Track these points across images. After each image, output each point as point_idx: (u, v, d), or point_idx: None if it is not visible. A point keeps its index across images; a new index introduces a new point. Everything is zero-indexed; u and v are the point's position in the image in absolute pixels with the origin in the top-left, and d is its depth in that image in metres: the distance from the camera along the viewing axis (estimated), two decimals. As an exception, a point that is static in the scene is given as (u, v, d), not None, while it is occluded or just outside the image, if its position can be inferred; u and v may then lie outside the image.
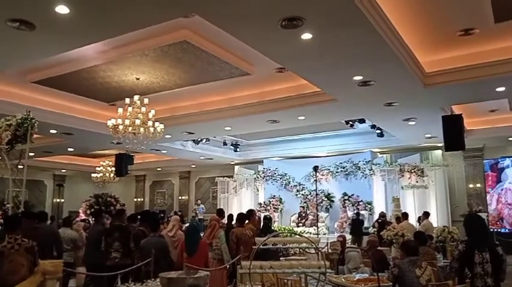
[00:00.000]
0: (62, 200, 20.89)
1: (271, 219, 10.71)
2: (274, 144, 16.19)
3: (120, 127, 8.62)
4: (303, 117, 10.31)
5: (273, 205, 16.14)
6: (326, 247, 7.82)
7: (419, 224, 11.53)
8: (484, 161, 14.13)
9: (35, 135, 6.90)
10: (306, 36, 5.55)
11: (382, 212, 13.06)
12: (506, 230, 13.15)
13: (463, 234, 4.51)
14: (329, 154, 15.81)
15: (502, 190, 13.47)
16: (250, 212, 8.21)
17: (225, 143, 15.67)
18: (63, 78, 8.50)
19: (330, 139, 14.95)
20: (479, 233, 4.05)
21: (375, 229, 11.03)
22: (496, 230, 13.14)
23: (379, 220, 11.82)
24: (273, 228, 10.37)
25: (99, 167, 17.73)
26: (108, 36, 5.97)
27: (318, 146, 15.32)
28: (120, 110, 8.75)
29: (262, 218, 9.65)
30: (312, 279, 3.95)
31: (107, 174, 17.50)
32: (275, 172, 16.73)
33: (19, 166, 6.07)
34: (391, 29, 5.95)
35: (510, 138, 13.01)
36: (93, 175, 17.90)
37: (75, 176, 21.53)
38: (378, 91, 7.97)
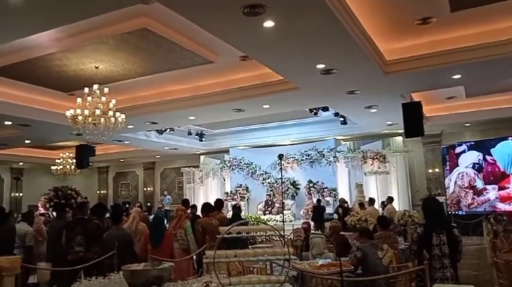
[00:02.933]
0: (21, 194, 20.15)
1: (240, 208, 10.73)
2: (239, 133, 16.19)
3: (80, 118, 8.34)
4: (267, 106, 10.33)
5: (239, 193, 16.20)
6: (291, 234, 7.93)
7: (383, 209, 11.87)
8: (442, 146, 14.66)
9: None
10: (268, 24, 5.52)
11: (342, 198, 13.37)
12: (464, 212, 13.73)
13: (423, 217, 4.66)
14: (294, 142, 15.97)
15: (459, 174, 14.03)
16: (221, 202, 8.16)
17: (189, 133, 15.52)
18: (17, 67, 8.12)
19: (294, 127, 15.10)
20: (436, 216, 4.20)
21: (337, 215, 11.27)
22: (454, 212, 13.69)
23: (344, 206, 12.10)
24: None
25: (59, 159, 17.17)
26: (62, 23, 5.74)
27: (283, 134, 15.45)
28: (79, 100, 8.46)
29: (231, 208, 9.62)
30: (277, 266, 3.99)
31: (68, 166, 16.99)
32: (241, 161, 16.77)
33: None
34: (352, 18, 6.01)
35: (466, 124, 13.56)
36: (53, 167, 17.32)
37: (34, 169, 20.75)
38: (340, 79, 8.08)
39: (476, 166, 13.72)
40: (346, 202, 12.83)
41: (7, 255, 4.79)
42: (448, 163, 14.31)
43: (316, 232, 6.20)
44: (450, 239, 4.01)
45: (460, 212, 13.78)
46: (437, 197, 12.38)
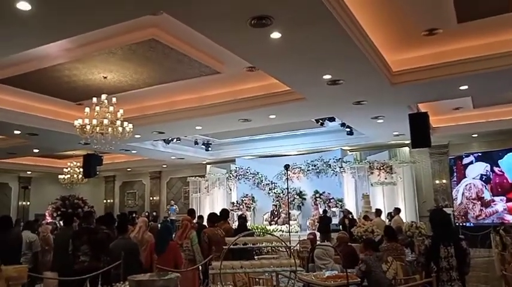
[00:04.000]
0: (28, 203, 20.24)
1: (246, 218, 10.69)
2: (246, 143, 16.21)
3: (88, 127, 8.41)
4: (273, 116, 10.35)
5: (245, 203, 16.15)
6: (297, 245, 7.88)
7: (390, 220, 11.77)
8: (449, 157, 14.57)
9: (-3, 137, 6.67)
10: (275, 35, 5.56)
11: (346, 209, 13.29)
12: (471, 224, 13.59)
13: (430, 229, 4.63)
14: (300, 152, 15.95)
15: (466, 185, 13.92)
16: (227, 212, 8.14)
17: (196, 143, 15.55)
18: (27, 76, 8.22)
19: (301, 138, 15.10)
20: (444, 228, 4.16)
21: (342, 226, 11.19)
22: (461, 224, 13.56)
23: (349, 217, 12.02)
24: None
25: (66, 168, 17.27)
26: (72, 34, 5.80)
27: (290, 144, 15.46)
28: (88, 109, 8.53)
29: (237, 218, 9.58)
30: (284, 277, 3.97)
31: (75, 175, 17.07)
32: (247, 171, 16.75)
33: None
34: (359, 29, 6.04)
35: (473, 135, 13.47)
36: (60, 176, 17.42)
37: (41, 177, 20.89)
38: (346, 90, 8.08)
39: (484, 177, 13.61)
40: (351, 213, 12.75)
41: (14, 264, 4.80)
42: (455, 174, 14.21)
43: (324, 243, 6.14)
44: (458, 252, 3.96)
45: (467, 224, 13.64)
46: (444, 209, 12.36)
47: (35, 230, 8.00)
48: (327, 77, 7.37)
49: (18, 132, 10.92)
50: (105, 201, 22.67)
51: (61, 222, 9.66)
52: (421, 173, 15.01)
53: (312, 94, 8.46)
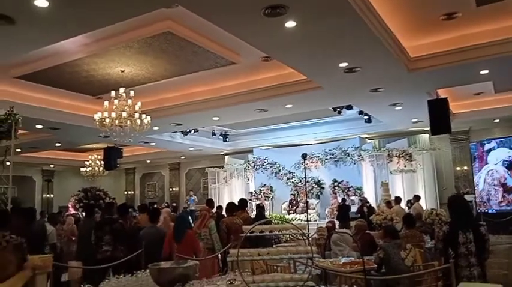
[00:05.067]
0: (52, 196, 20.75)
1: (264, 207, 10.77)
2: (263, 133, 16.23)
3: (107, 120, 8.57)
4: (290, 106, 10.33)
5: (263, 193, 16.24)
6: (315, 233, 7.91)
7: (409, 208, 11.69)
8: (470, 143, 14.31)
9: (20, 131, 6.85)
10: (290, 24, 5.54)
11: (364, 197, 13.23)
12: (494, 210, 13.38)
13: (449, 215, 4.59)
14: (318, 141, 15.89)
15: (488, 171, 13.68)
16: (245, 202, 8.24)
17: (213, 134, 15.65)
18: (47, 72, 8.40)
19: (318, 126, 15.02)
20: (462, 214, 4.13)
21: (361, 214, 11.17)
22: (483, 211, 13.36)
23: (367, 205, 11.97)
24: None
25: (87, 161, 17.62)
26: (89, 29, 5.90)
27: (307, 133, 15.39)
28: (106, 103, 8.68)
29: (254, 207, 9.68)
30: (301, 265, 4.01)
31: (96, 168, 17.40)
32: (265, 160, 16.80)
33: (6, 162, 6.02)
34: (375, 15, 5.96)
35: (495, 121, 13.19)
36: (82, 169, 17.78)
37: (64, 170, 21.37)
38: (363, 77, 8.01)
39: (507, 163, 13.34)
40: (368, 201, 12.70)
41: (38, 254, 4.96)
42: (477, 160, 13.97)
43: (342, 229, 6.16)
44: (477, 237, 3.94)
45: (490, 210, 13.43)
46: (466, 196, 12.19)
47: (57, 222, 8.22)
48: (344, 65, 7.31)
49: (40, 126, 11.18)
50: (126, 193, 23.07)
51: (83, 213, 9.89)
52: (441, 160, 14.78)
53: (328, 83, 8.42)
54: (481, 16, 6.69)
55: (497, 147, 13.60)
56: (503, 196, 13.30)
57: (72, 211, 12.90)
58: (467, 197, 11.84)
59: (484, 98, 11.53)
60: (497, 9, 6.48)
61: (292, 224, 3.10)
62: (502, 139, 13.66)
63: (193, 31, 6.96)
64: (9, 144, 6.02)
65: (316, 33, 5.95)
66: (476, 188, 13.84)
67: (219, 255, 6.59)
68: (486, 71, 8.00)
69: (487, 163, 13.75)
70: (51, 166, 20.52)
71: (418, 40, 7.48)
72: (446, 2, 6.23)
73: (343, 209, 11.17)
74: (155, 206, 15.04)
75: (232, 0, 4.90)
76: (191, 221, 11.09)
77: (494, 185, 13.55)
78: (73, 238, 8.17)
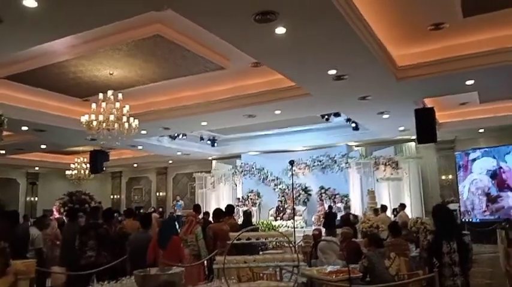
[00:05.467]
0: (36, 199, 20.43)
1: (251, 214, 10.73)
2: (251, 139, 16.21)
3: (94, 123, 8.47)
4: (279, 112, 10.35)
5: (251, 199, 16.20)
6: (301, 241, 7.89)
7: (395, 216, 11.76)
8: (456, 153, 14.48)
9: (5, 133, 6.73)
10: (280, 30, 5.55)
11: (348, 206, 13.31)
12: (478, 219, 13.53)
13: (433, 224, 4.62)
14: (305, 148, 15.94)
15: (473, 181, 13.84)
16: (232, 208, 8.20)
17: (202, 138, 15.60)
18: (34, 73, 8.28)
19: (306, 133, 15.06)
20: (446, 223, 4.16)
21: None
22: (467, 220, 13.50)
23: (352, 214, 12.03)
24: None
25: (73, 164, 17.40)
26: (78, 31, 5.84)
27: (295, 140, 15.42)
28: (94, 105, 8.59)
29: (241, 213, 9.63)
30: (287, 272, 3.99)
31: (82, 171, 17.19)
32: (253, 166, 16.79)
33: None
34: (364, 24, 6.02)
35: (480, 131, 13.39)
36: (67, 172, 17.55)
37: (49, 173, 21.06)
38: (352, 85, 8.07)
39: (491, 172, 13.53)
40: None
41: (21, 258, 4.87)
42: (461, 170, 14.14)
43: (328, 237, 6.15)
44: (460, 247, 3.97)
45: (473, 220, 13.58)
46: (450, 205, 12.32)
47: (44, 226, 8.04)
48: (332, 72, 7.36)
49: (26, 128, 11.01)
50: (112, 197, 22.82)
51: (67, 218, 9.73)
52: (427, 169, 14.94)
53: (317, 89, 8.46)
54: (468, 27, 6.80)
55: (482, 157, 13.79)
56: (487, 205, 13.47)
57: (56, 214, 12.71)
58: (452, 206, 12.00)
59: (470, 108, 11.69)
60: (483, 21, 6.59)
61: (278, 232, 3.09)
62: (486, 149, 13.85)
63: (182, 35, 6.93)
64: (-7, 145, 5.91)
65: (305, 40, 5.97)
66: (460, 197, 14.00)
67: (205, 262, 6.53)
68: (472, 81, 8.12)
69: (471, 173, 13.92)
70: (36, 168, 20.21)
71: (406, 49, 7.57)
72: (434, 12, 6.31)
73: (330, 217, 11.19)
74: (141, 211, 14.94)
75: (223, 5, 4.89)
76: (177, 226, 11.00)
77: (478, 194, 13.71)
78: (57, 242, 8.02)
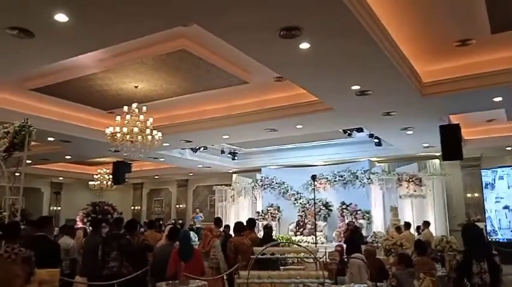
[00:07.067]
0: (59, 208, 20.77)
1: (272, 228, 10.65)
2: (272, 152, 16.19)
3: (118, 135, 8.60)
4: (300, 126, 10.32)
5: (271, 213, 16.09)
6: (324, 257, 7.77)
7: (418, 234, 11.51)
8: (482, 170, 14.14)
9: (32, 143, 6.89)
10: (304, 45, 5.57)
11: (352, 222, 13.04)
12: (504, 239, 13.12)
13: (462, 244, 4.50)
14: (327, 163, 15.80)
15: (499, 199, 13.47)
16: (254, 222, 8.15)
17: (222, 151, 15.66)
18: (62, 85, 8.50)
19: (327, 148, 14.96)
20: (476, 243, 4.05)
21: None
22: (494, 239, 13.11)
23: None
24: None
25: (96, 174, 17.68)
26: (106, 45, 5.98)
27: (316, 154, 15.33)
28: (118, 118, 8.74)
29: (262, 227, 9.55)
30: (310, 289, 3.93)
31: (104, 182, 17.44)
32: (273, 180, 16.71)
33: (16, 174, 6.05)
34: (389, 39, 5.99)
35: (508, 148, 13.05)
36: (90, 182, 17.83)
37: (72, 183, 21.43)
38: (375, 101, 8.00)
39: (519, 191, 13.14)
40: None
41: (47, 268, 4.92)
42: (488, 188, 13.76)
43: (358, 254, 6.02)
44: (491, 268, 3.85)
45: (500, 239, 13.18)
46: (476, 223, 11.98)
47: (73, 235, 8.12)
48: (356, 87, 7.32)
49: (52, 139, 11.27)
50: (133, 208, 23.03)
51: (90, 227, 9.84)
52: (451, 186, 14.60)
53: (340, 105, 8.41)
54: (496, 43, 6.68)
55: (509, 174, 13.42)
56: (515, 225, 13.05)
57: (80, 224, 12.88)
58: (478, 225, 11.66)
59: (497, 125, 11.44)
60: (511, 37, 6.47)
61: (304, 247, 3.05)
62: (514, 167, 13.48)
63: (207, 49, 7.03)
64: (21, 155, 6.05)
65: (329, 55, 5.97)
66: (486, 216, 13.61)
67: (225, 275, 6.50)
68: (500, 99, 7.95)
69: (498, 191, 13.55)
70: (60, 178, 20.60)
71: (431, 65, 7.48)
72: (461, 28, 6.24)
73: (357, 234, 10.88)
74: (161, 222, 15.01)
75: (248, 21, 4.94)
76: (197, 239, 11.00)
77: (505, 213, 13.31)
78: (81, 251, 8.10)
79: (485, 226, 13.14)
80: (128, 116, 8.62)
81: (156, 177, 20.99)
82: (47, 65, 6.93)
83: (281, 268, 7.05)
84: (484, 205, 13.80)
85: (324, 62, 6.19)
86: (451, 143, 8.67)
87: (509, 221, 13.22)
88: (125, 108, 8.62)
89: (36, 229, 5.82)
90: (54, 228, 8.02)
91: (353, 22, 4.94)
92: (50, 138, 11.21)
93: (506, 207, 13.36)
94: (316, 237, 12.20)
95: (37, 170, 16.98)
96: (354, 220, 13.78)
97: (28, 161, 15.37)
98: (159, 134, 9.06)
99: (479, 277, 3.84)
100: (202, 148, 14.40)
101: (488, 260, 3.91)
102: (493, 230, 13.46)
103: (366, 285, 4.63)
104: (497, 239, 13.12)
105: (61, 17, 4.86)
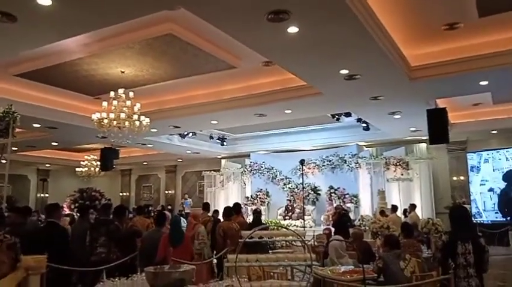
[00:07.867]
0: (47, 195, 20.62)
1: (261, 213, 10.72)
2: (261, 138, 16.21)
3: (105, 121, 8.52)
4: (289, 111, 10.32)
5: (259, 198, 16.18)
6: (312, 240, 7.86)
7: (405, 217, 11.68)
8: (467, 153, 14.33)
9: (18, 130, 6.80)
10: (292, 29, 5.53)
11: (339, 205, 13.20)
12: (489, 221, 13.39)
13: (448, 226, 4.58)
14: (315, 148, 15.88)
15: (484, 182, 13.71)
16: (239, 206, 8.20)
17: (211, 137, 15.62)
18: (46, 71, 8.35)
19: (316, 133, 15.02)
20: (462, 225, 4.12)
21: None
22: (478, 221, 13.37)
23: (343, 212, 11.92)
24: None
25: (84, 161, 17.53)
26: (91, 29, 5.87)
27: (305, 139, 15.38)
28: (105, 103, 8.64)
29: (252, 212, 9.62)
30: (298, 272, 3.98)
31: (92, 168, 17.32)
32: (262, 165, 16.77)
33: (1, 161, 5.97)
34: (377, 23, 5.97)
35: (493, 132, 13.23)
36: (77, 169, 17.70)
37: (59, 170, 21.26)
38: (363, 85, 8.01)
39: (503, 174, 13.37)
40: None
41: (33, 254, 4.89)
42: (473, 171, 13.98)
43: (337, 236, 6.11)
44: (476, 249, 3.92)
45: (485, 221, 13.45)
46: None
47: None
48: (344, 72, 7.31)
49: (38, 125, 11.12)
50: (121, 194, 22.97)
51: (77, 214, 9.80)
52: (438, 170, 14.80)
53: (328, 89, 8.41)
54: (483, 27, 6.71)
55: (494, 158, 13.64)
56: (499, 207, 13.31)
57: (67, 211, 12.79)
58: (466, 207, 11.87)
59: (482, 108, 11.57)
60: (498, 21, 6.50)
61: (292, 231, 3.07)
62: (499, 150, 13.69)
63: (194, 34, 6.94)
64: (6, 142, 5.97)
65: (318, 40, 5.94)
66: (471, 198, 13.86)
67: (215, 260, 6.55)
68: (486, 82, 8.02)
69: (483, 174, 13.78)
70: (47, 165, 20.41)
71: (419, 49, 7.50)
72: (449, 12, 6.24)
73: (345, 217, 11.00)
74: (150, 208, 15.00)
75: (236, 4, 4.88)
76: (186, 223, 11.03)
77: (490, 195, 13.56)
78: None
79: (470, 208, 13.38)
80: (114, 102, 8.52)
81: (144, 163, 20.91)
82: (31, 50, 6.80)
83: (270, 251, 7.15)
84: (469, 187, 14.04)
85: (312, 46, 6.16)
86: (438, 126, 8.75)
87: (494, 204, 13.49)
88: (112, 93, 8.52)
89: (20, 216, 5.79)
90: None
91: (341, 6, 4.92)
92: (35, 125, 11.05)
93: (491, 189, 13.62)
94: (304, 221, 12.30)
95: (23, 157, 16.79)
96: (341, 204, 13.93)
97: (14, 148, 15.17)
98: (147, 119, 8.99)
99: (463, 258, 3.91)
100: (190, 134, 14.34)
101: (474, 241, 3.99)
102: (478, 212, 13.73)
103: (351, 266, 4.70)
104: (481, 221, 13.39)
105: (44, 1, 4.76)
